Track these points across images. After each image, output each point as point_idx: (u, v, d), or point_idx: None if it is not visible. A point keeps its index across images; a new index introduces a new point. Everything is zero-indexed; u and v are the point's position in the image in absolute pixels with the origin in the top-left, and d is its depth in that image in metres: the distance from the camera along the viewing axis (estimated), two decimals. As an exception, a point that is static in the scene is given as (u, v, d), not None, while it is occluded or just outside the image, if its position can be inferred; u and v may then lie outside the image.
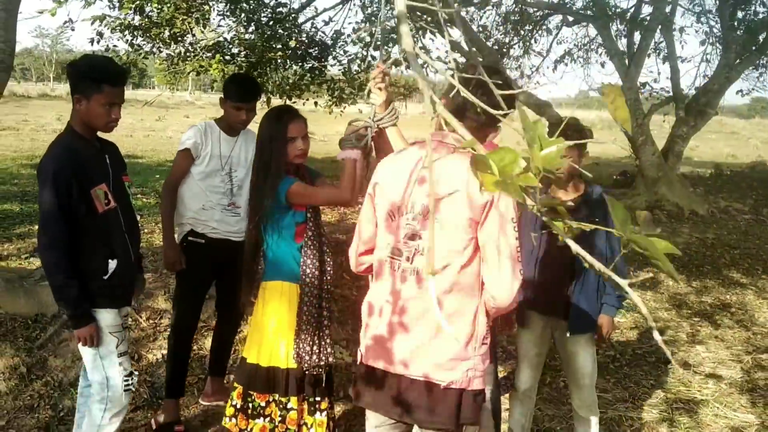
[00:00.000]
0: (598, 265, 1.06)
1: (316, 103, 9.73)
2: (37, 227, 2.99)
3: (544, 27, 13.37)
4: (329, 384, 3.26)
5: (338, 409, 4.06)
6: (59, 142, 2.93)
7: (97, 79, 2.86)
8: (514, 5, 12.26)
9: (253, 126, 3.63)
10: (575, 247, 1.01)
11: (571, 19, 12.24)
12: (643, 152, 10.72)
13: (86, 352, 2.99)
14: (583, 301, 3.38)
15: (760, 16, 10.87)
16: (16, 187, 10.42)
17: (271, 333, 3.12)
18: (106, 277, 2.97)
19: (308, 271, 3.11)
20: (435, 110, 1.14)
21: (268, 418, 3.10)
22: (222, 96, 3.87)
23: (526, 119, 1.01)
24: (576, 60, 13.88)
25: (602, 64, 13.50)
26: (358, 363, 2.48)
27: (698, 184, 13.14)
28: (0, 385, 4.05)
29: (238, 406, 3.17)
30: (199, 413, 4.06)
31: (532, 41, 13.27)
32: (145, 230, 7.46)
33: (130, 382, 3.06)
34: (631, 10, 10.69)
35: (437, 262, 2.22)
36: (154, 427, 3.81)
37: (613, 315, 3.42)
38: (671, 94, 11.06)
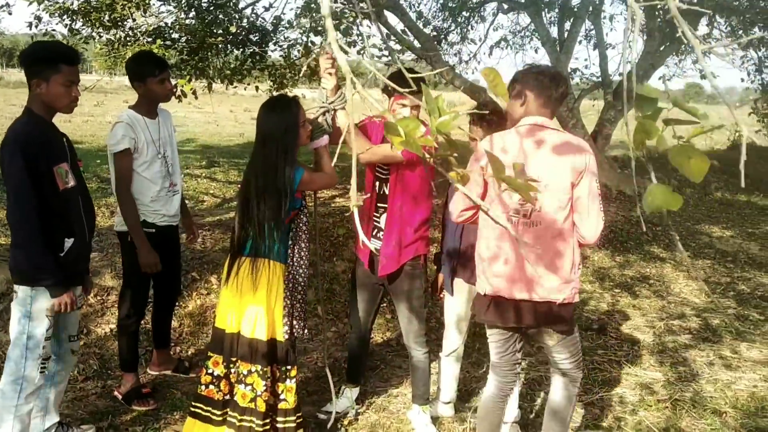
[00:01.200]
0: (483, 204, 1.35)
1: (257, 88, 9.89)
2: None
3: (480, 14, 13.72)
4: (294, 353, 3.49)
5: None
6: (21, 122, 3.05)
7: (53, 60, 3.02)
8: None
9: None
10: (462, 189, 1.30)
11: (505, 6, 12.62)
12: (573, 134, 11.18)
13: (14, 329, 3.12)
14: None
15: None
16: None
17: (256, 307, 3.28)
18: (62, 255, 3.15)
19: (297, 252, 3.32)
20: (356, 89, 1.41)
21: (249, 387, 3.30)
22: (135, 80, 3.93)
23: (428, 95, 1.29)
24: (512, 46, 14.27)
25: (536, 50, 13.97)
26: (484, 295, 3.07)
27: (627, 165, 13.72)
28: (-48, 360, 4.20)
29: (216, 374, 3.36)
30: (148, 382, 4.28)
31: (469, 27, 13.60)
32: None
33: (45, 365, 3.21)
34: (561, -2, 11.10)
35: (548, 217, 2.89)
36: (119, 396, 4.01)
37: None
38: (600, 79, 11.54)
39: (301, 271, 3.30)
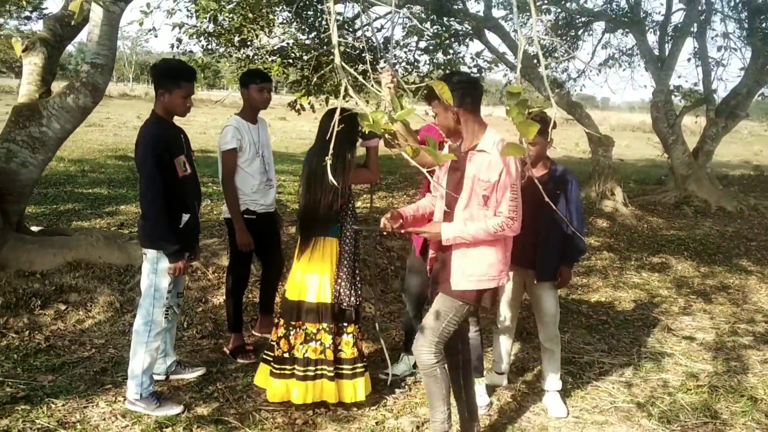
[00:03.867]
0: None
1: (367, 102, 10.75)
2: (122, 207, 4.05)
3: (588, 33, 14.08)
4: (357, 316, 4.25)
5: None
6: (150, 123, 3.97)
7: (176, 77, 3.93)
8: (560, 12, 13.08)
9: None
10: (413, 162, 1.98)
11: (612, 25, 12.95)
12: (674, 151, 11.40)
13: (144, 282, 4.00)
14: (547, 255, 4.30)
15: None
16: (103, 174, 11.81)
17: (319, 276, 4.10)
18: (180, 227, 4.04)
19: (347, 231, 4.13)
20: (349, 94, 2.11)
21: (318, 342, 4.10)
22: (242, 88, 4.82)
23: (393, 98, 1.99)
24: (620, 64, 14.52)
25: (646, 68, 14.13)
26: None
27: (731, 183, 13.65)
28: (100, 315, 5.24)
29: (282, 334, 4.19)
30: (252, 342, 5.14)
31: (577, 44, 13.98)
32: (214, 211, 8.69)
33: (168, 314, 4.08)
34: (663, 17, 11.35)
35: None
36: (228, 351, 4.90)
37: (570, 267, 4.33)
38: (703, 96, 11.67)
39: (347, 247, 4.09)
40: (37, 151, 5.39)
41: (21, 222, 5.76)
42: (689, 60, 12.87)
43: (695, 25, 11.19)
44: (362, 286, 4.25)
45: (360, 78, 2.12)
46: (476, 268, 3.43)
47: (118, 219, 8.28)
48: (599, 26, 13.85)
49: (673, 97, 11.78)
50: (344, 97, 2.08)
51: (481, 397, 4.36)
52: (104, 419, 3.85)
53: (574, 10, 12.71)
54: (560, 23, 13.51)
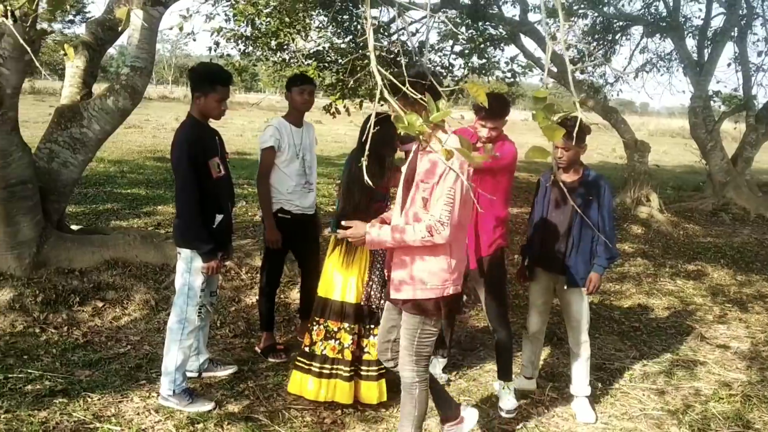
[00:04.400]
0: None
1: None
2: (159, 207, 4.14)
3: (626, 37, 13.95)
4: (377, 315, 4.30)
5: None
6: (185, 125, 4.05)
7: (212, 81, 4.02)
8: (597, 16, 12.99)
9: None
10: (447, 164, 2.01)
11: (650, 30, 12.82)
12: (712, 157, 11.24)
13: (178, 281, 4.09)
14: (578, 261, 4.30)
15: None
16: (142, 175, 12.04)
17: (348, 276, 4.17)
18: (214, 227, 4.12)
19: None
20: (385, 99, 2.15)
21: (337, 341, 4.17)
22: (286, 91, 4.95)
23: (429, 101, 2.02)
24: (658, 68, 14.36)
25: (684, 73, 13.95)
26: None
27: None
28: (136, 313, 5.36)
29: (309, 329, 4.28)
30: (285, 341, 5.21)
31: (614, 49, 13.85)
32: (249, 213, 8.81)
33: (202, 312, 4.17)
34: (702, 22, 11.20)
35: None
36: (259, 350, 4.97)
37: (600, 273, 4.31)
38: (742, 102, 11.49)
39: (380, 250, 4.10)
40: (77, 151, 5.53)
41: (61, 221, 5.92)
42: (729, 65, 12.64)
43: (735, 29, 11.03)
44: None
45: (396, 82, 2.14)
46: (416, 276, 3.25)
47: (155, 219, 8.45)
48: (637, 30, 13.71)
49: (712, 102, 11.61)
50: (380, 101, 2.12)
51: (509, 401, 4.37)
52: (138, 414, 3.94)
53: (611, 15, 12.61)
54: (597, 27, 13.42)
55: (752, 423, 4.37)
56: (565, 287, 4.35)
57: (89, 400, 4.03)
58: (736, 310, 6.87)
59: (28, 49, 3.28)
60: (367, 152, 2.09)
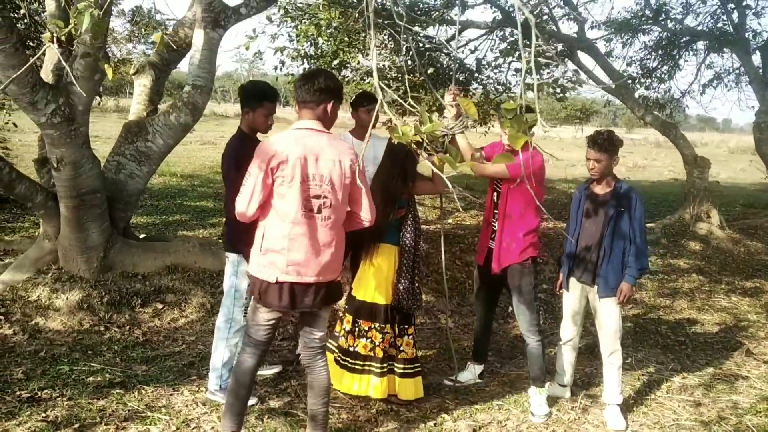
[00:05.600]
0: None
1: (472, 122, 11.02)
2: (224, 219, 4.45)
3: (693, 52, 13.74)
4: (413, 318, 4.55)
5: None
6: (235, 138, 4.37)
7: (260, 98, 4.33)
8: (661, 32, 12.88)
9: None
10: (438, 173, 2.22)
11: (716, 45, 12.63)
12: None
13: (227, 283, 4.38)
14: (609, 271, 4.41)
15: None
16: (211, 189, 12.56)
17: (377, 279, 4.46)
18: None
19: (407, 239, 4.46)
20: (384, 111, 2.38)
21: (369, 339, 4.44)
22: (352, 109, 5.26)
23: (422, 113, 2.24)
24: (726, 84, 14.08)
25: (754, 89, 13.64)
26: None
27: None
28: (193, 315, 5.71)
29: (347, 329, 4.53)
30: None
31: (678, 64, 13.66)
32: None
33: (246, 311, 4.39)
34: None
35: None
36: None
37: (631, 284, 4.40)
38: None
39: (406, 254, 4.40)
40: (142, 163, 5.94)
41: (127, 228, 6.34)
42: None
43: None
44: (422, 294, 4.54)
45: (397, 97, 2.37)
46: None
47: (220, 230, 8.85)
48: (703, 46, 13.49)
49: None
50: (381, 111, 2.36)
51: (541, 407, 4.49)
52: (186, 405, 4.25)
53: (674, 30, 12.50)
54: (663, 42, 13.28)
55: (787, 436, 4.37)
56: (598, 296, 4.46)
57: (143, 392, 4.36)
58: (790, 326, 6.77)
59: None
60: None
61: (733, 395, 4.99)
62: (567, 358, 4.80)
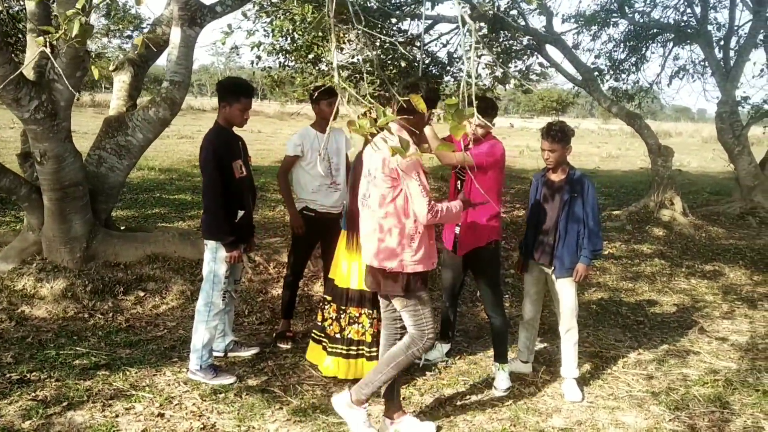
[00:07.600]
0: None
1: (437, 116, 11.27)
2: (202, 211, 4.68)
3: (661, 44, 14.15)
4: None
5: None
6: (212, 131, 4.60)
7: (236, 93, 4.57)
8: (628, 25, 13.27)
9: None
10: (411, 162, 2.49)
11: (679, 38, 13.02)
12: (739, 162, 11.41)
13: (205, 269, 4.62)
14: (565, 253, 4.72)
15: None
16: (189, 182, 12.76)
17: (360, 266, 4.58)
18: (236, 221, 4.66)
19: None
20: (346, 102, 2.65)
21: (360, 325, 4.72)
22: (313, 104, 5.35)
23: (377, 107, 2.50)
24: (691, 75, 14.51)
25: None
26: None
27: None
28: (173, 302, 5.96)
29: (333, 317, 4.80)
30: (294, 331, 5.73)
31: (645, 56, 14.05)
32: (281, 214, 9.39)
33: (225, 297, 4.70)
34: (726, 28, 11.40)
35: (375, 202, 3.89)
36: (274, 335, 5.51)
37: (586, 264, 4.70)
38: (770, 107, 11.64)
39: None
40: (123, 157, 6.17)
41: (109, 219, 6.57)
42: (762, 71, 12.78)
43: (762, 35, 11.19)
44: None
45: (357, 97, 2.63)
46: None
47: (198, 222, 9.08)
48: (669, 38, 13.90)
49: (741, 108, 11.76)
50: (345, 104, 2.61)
51: (503, 381, 4.79)
52: (169, 385, 4.51)
53: (641, 23, 12.87)
54: (630, 35, 13.67)
55: (730, 404, 4.69)
56: (555, 277, 4.77)
57: (128, 373, 4.61)
58: (745, 307, 7.12)
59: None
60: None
61: (684, 369, 5.33)
62: (528, 336, 5.11)
